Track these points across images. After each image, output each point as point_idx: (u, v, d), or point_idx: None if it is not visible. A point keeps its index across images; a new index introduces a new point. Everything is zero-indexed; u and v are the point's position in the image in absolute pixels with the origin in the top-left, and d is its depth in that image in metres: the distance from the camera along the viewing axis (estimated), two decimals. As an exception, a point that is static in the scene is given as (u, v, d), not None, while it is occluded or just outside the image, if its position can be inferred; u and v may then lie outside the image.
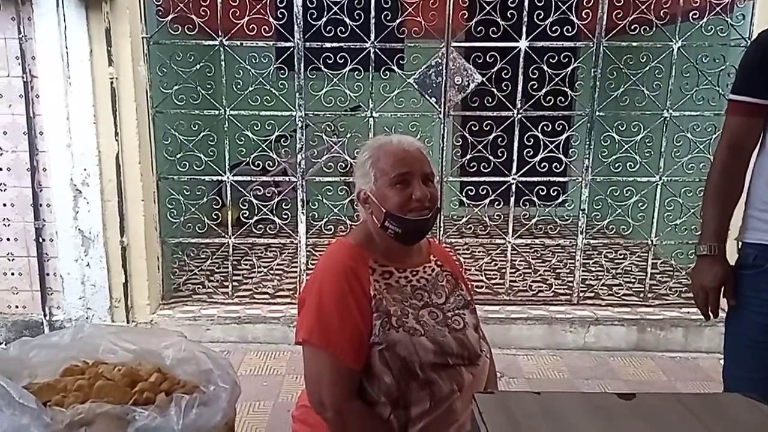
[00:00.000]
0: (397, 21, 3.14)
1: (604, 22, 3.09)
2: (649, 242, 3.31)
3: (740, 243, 1.63)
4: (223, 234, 3.34)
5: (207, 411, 1.33)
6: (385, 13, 3.12)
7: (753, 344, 1.57)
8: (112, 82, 2.92)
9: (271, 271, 3.60)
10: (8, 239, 3.05)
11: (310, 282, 1.41)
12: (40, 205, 3.01)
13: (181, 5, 3.07)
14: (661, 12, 3.11)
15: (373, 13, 3.07)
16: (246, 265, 3.66)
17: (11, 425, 1.23)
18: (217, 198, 3.47)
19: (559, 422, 0.93)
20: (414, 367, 1.31)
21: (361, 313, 1.33)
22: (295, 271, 3.42)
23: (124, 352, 1.46)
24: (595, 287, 3.47)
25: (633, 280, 3.62)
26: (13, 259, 3.07)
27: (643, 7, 3.07)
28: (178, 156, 3.28)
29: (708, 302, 1.64)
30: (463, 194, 3.47)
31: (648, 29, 3.21)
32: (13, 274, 3.09)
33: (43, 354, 1.46)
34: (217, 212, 3.42)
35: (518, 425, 0.90)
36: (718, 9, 3.03)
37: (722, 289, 1.63)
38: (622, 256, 3.51)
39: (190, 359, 1.46)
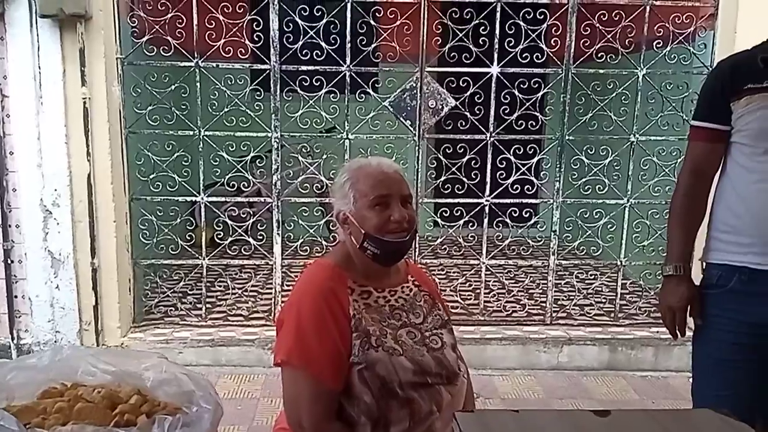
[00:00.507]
0: (373, 46, 3.19)
1: (572, 50, 3.20)
2: (619, 263, 3.39)
3: (704, 263, 1.67)
4: (197, 255, 3.30)
5: (190, 432, 1.32)
6: (361, 37, 3.17)
7: (720, 362, 1.60)
8: (84, 103, 2.90)
9: (246, 293, 3.57)
10: (-26, 261, 2.97)
11: (289, 303, 1.41)
12: (9, 226, 2.95)
13: (157, 27, 3.08)
14: (626, 41, 3.24)
15: (348, 38, 3.12)
16: (220, 286, 3.62)
17: (-9, 448, 1.20)
18: (191, 219, 3.44)
19: (538, 439, 0.95)
20: (393, 386, 1.32)
21: (340, 333, 1.34)
22: (270, 293, 3.40)
23: (103, 374, 1.44)
24: (567, 307, 3.53)
25: (604, 300, 3.69)
26: (-22, 282, 2.99)
27: (608, 36, 3.19)
28: (151, 176, 3.25)
29: (675, 322, 1.68)
30: (438, 215, 3.51)
31: (614, 57, 3.32)
32: (-21, 297, 3.01)
33: (20, 376, 1.42)
34: (190, 233, 3.38)
35: (498, 443, 0.92)
36: (680, 38, 3.16)
37: (689, 308, 1.67)
38: (593, 277, 3.59)
39: (171, 380, 1.44)
